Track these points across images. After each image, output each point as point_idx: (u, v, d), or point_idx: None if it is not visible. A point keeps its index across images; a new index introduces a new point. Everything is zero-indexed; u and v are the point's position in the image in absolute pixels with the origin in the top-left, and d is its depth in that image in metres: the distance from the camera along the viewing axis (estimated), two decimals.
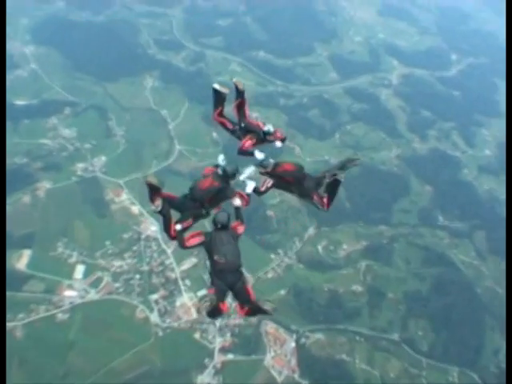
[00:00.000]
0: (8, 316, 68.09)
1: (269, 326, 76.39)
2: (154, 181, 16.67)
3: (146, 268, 77.84)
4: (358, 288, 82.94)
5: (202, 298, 15.31)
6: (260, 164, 19.49)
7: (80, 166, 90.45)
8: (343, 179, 18.25)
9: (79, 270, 75.69)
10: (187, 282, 77.61)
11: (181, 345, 71.10)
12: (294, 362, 73.75)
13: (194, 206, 17.78)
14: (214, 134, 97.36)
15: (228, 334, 73.96)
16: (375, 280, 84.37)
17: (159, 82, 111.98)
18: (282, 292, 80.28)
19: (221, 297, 15.71)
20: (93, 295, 73.80)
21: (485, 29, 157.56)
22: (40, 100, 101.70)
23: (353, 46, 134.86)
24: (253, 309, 16.36)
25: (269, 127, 20.41)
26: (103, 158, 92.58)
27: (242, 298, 16.26)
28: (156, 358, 69.12)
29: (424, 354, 77.34)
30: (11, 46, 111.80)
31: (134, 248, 79.80)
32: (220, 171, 18.36)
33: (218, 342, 72.94)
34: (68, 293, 73.24)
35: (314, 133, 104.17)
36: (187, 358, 70.20)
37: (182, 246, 16.81)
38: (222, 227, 16.99)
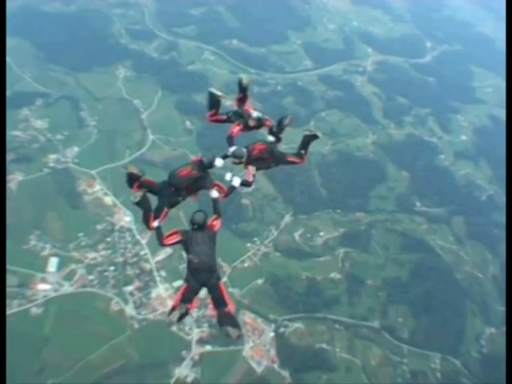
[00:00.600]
0: None
1: (246, 316, 75.17)
2: (134, 170, 16.71)
3: (120, 259, 76.29)
4: (336, 275, 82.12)
5: (170, 313, 15.43)
6: (233, 155, 18.95)
7: (52, 157, 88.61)
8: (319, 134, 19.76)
9: (52, 263, 73.72)
10: (162, 272, 76.34)
11: (157, 337, 69.48)
12: (273, 352, 72.65)
13: (170, 192, 17.63)
14: (188, 123, 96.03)
15: (205, 325, 72.61)
16: (354, 267, 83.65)
17: (131, 72, 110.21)
18: (259, 281, 79.22)
19: (191, 296, 15.95)
20: (67, 288, 71.98)
21: (458, 16, 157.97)
22: (11, 91, 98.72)
23: (327, 33, 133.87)
24: (220, 316, 16.07)
25: (257, 113, 20.40)
26: (75, 149, 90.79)
27: (215, 295, 16.16)
28: (133, 351, 67.71)
29: (405, 341, 76.84)
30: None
31: (108, 239, 78.18)
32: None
33: (196, 334, 71.76)
34: (41, 286, 71.33)
35: None
36: (164, 350, 68.72)
37: (161, 243, 16.82)
38: (198, 227, 16.86)
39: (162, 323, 69.66)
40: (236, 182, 18.50)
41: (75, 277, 73.27)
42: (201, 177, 17.70)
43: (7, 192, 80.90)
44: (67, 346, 66.25)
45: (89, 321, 68.90)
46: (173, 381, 66.24)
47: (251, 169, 19.00)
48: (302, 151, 20.36)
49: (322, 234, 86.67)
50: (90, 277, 73.50)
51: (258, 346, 72.87)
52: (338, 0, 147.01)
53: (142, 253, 77.80)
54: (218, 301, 16.06)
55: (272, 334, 74.28)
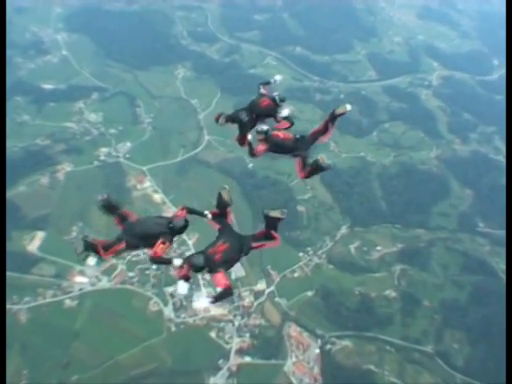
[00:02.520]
0: (14, 298, 63.74)
1: (292, 329, 68.60)
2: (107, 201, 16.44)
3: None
4: (391, 293, 74.61)
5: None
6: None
7: (103, 150, 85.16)
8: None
9: (93, 256, 67.56)
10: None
11: (194, 343, 64.08)
12: (316, 369, 65.60)
13: (153, 223, 16.30)
14: None
15: (247, 335, 66.68)
16: (410, 286, 75.89)
17: (191, 73, 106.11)
18: (309, 293, 72.63)
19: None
20: (104, 283, 67.61)
21: None
22: (68, 85, 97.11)
23: (392, 45, 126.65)
24: None
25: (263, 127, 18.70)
26: (128, 144, 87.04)
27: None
28: (166, 355, 62.33)
29: (459, 370, 68.14)
30: (43, 33, 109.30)
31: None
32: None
33: (236, 343, 65.76)
34: (79, 279, 67.23)
35: (350, 129, 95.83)
36: (200, 357, 63.07)
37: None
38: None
39: (202, 329, 65.42)
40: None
41: (115, 272, 68.77)
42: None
43: (54, 182, 78.46)
44: (97, 342, 61.88)
45: (123, 319, 64.27)
46: None
47: (262, 148, 18.46)
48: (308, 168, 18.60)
49: (379, 248, 79.33)
50: (130, 274, 68.84)
51: (301, 361, 65.98)
52: (403, 14, 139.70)
53: (188, 254, 70.86)
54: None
55: (317, 351, 67.23)
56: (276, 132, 18.56)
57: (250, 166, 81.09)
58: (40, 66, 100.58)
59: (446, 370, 68.09)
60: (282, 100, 19.75)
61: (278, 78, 20.15)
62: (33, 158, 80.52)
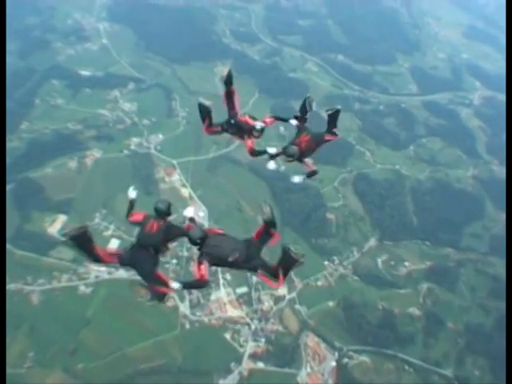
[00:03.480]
0: (27, 279, 62.20)
1: (309, 339, 65.48)
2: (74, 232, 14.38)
3: (185, 254, 68.14)
4: (415, 311, 71.21)
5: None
6: (285, 154, 18.08)
7: (135, 140, 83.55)
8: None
9: (113, 244, 66.75)
10: (228, 276, 67.78)
11: (208, 342, 61.50)
12: (331, 383, 62.47)
13: (148, 254, 15.56)
14: (281, 129, 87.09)
15: (262, 340, 63.78)
16: (435, 305, 72.43)
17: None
18: (331, 303, 69.46)
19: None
20: (122, 273, 64.73)
21: None
22: (105, 73, 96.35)
23: (435, 61, 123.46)
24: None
25: (259, 124, 18.75)
26: (160, 136, 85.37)
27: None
28: (177, 352, 59.77)
29: None
30: (86, 21, 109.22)
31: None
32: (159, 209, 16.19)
33: (250, 347, 62.95)
34: (96, 266, 63.56)
35: (387, 141, 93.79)
36: (212, 357, 60.48)
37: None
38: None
39: (217, 329, 62.97)
40: (297, 178, 18.05)
41: None
42: (169, 225, 15.64)
43: (81, 167, 77.03)
44: (107, 332, 59.89)
45: (137, 311, 61.54)
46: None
47: (308, 161, 18.37)
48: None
49: (406, 264, 76.07)
50: None
51: (315, 373, 62.77)
52: (449, 31, 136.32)
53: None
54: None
55: (334, 363, 63.92)
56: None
57: (282, 168, 78.49)
58: (79, 53, 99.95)
59: None
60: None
61: (271, 165, 18.87)
62: (63, 141, 79.07)
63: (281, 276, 15.79)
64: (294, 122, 18.92)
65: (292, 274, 68.87)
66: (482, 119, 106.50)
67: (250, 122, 18.94)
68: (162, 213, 15.84)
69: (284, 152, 17.94)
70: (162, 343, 60.00)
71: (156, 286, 15.17)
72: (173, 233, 15.74)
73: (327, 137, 18.91)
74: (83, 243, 14.49)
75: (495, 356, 66.66)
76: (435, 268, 76.37)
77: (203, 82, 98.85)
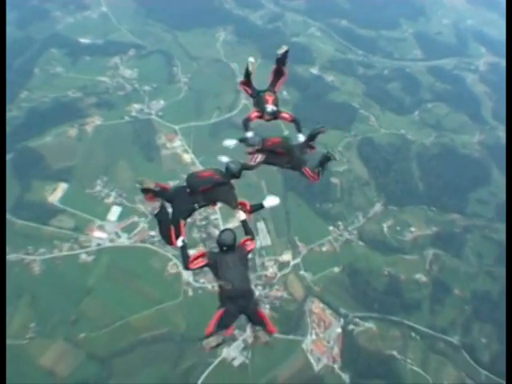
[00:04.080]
0: (28, 249, 60.95)
1: (315, 305, 64.27)
2: (149, 185, 15.04)
3: (188, 220, 65.28)
4: (421, 277, 69.96)
5: (205, 338, 13.82)
6: (247, 143, 17.33)
7: (136, 106, 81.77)
8: (336, 159, 17.26)
9: (114, 212, 66.42)
10: None
11: (211, 309, 58.13)
12: (336, 350, 61.32)
13: (186, 196, 15.60)
14: (285, 93, 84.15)
15: (267, 307, 62.27)
16: (442, 272, 71.11)
17: (232, 36, 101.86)
18: (336, 269, 68.07)
19: (228, 322, 14.49)
20: (124, 240, 64.24)
21: None
22: (105, 40, 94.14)
23: (440, 27, 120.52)
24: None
25: (270, 107, 18.49)
26: (161, 102, 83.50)
27: (255, 321, 14.62)
28: (180, 320, 58.56)
29: (484, 366, 63.64)
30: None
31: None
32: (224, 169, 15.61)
33: None
34: (97, 234, 64.11)
35: (391, 106, 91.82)
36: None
37: (186, 267, 15.17)
38: (227, 249, 14.70)
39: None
40: (229, 142, 17.88)
41: (135, 230, 65.24)
42: (222, 183, 15.48)
43: (82, 134, 75.53)
44: (109, 301, 58.74)
45: (139, 279, 60.84)
46: (217, 361, 56.66)
47: (259, 156, 17.54)
48: (317, 169, 18.03)
49: (412, 229, 74.51)
50: (152, 233, 64.46)
51: (321, 340, 61.81)
52: None
53: (213, 217, 68.24)
54: (260, 325, 14.59)
55: (339, 330, 62.99)
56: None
57: (286, 133, 76.84)
58: (79, 21, 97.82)
59: (470, 365, 63.69)
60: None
61: (230, 142, 18.26)
62: (62, 109, 77.46)
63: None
64: (301, 138, 18.63)
65: (296, 239, 68.61)
66: (487, 85, 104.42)
67: (269, 101, 18.83)
68: (230, 172, 15.50)
69: (247, 140, 17.58)
70: (165, 311, 59.01)
71: (171, 230, 15.33)
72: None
73: (307, 170, 18.11)
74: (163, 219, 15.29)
75: (502, 323, 65.07)
76: (441, 234, 74.82)
77: (205, 47, 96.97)
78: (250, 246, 15.10)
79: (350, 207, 74.95)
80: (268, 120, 18.77)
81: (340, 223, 72.55)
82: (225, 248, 14.64)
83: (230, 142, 17.35)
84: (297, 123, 18.87)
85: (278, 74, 19.57)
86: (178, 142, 77.08)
